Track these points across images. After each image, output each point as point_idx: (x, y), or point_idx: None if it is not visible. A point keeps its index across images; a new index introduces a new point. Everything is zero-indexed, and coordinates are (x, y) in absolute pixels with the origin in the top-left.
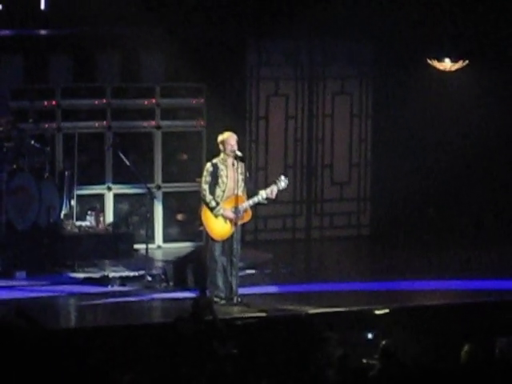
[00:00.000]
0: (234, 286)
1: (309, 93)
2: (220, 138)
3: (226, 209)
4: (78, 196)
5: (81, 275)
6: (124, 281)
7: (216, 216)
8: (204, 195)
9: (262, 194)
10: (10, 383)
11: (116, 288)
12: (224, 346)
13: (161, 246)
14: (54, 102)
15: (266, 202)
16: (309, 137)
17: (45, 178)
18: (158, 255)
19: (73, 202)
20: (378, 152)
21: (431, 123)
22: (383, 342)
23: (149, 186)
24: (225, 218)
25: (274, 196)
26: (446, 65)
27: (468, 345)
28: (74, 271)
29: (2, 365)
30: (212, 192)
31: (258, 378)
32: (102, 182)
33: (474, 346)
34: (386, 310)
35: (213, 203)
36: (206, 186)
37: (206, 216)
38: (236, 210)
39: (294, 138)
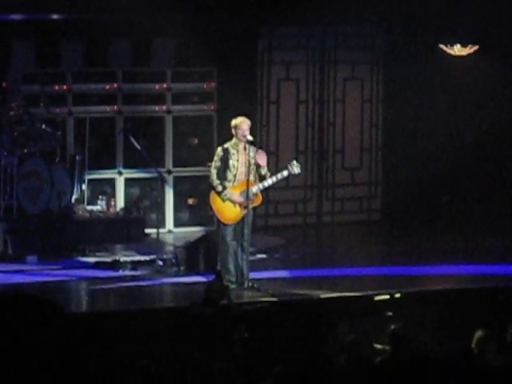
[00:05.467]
0: (244, 271)
1: (320, 77)
2: (233, 122)
3: (234, 193)
4: (89, 180)
5: (92, 259)
6: (135, 265)
7: (224, 200)
8: (212, 179)
9: (273, 179)
10: (22, 365)
11: (127, 272)
12: (236, 330)
13: (172, 231)
14: (65, 87)
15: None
16: (320, 121)
17: (56, 162)
18: (169, 239)
19: (84, 187)
20: (389, 137)
21: (443, 108)
22: (392, 327)
23: (160, 170)
24: (233, 202)
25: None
26: (458, 50)
27: (480, 330)
28: (85, 255)
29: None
30: (223, 177)
31: (269, 362)
32: (113, 167)
33: (485, 331)
34: (398, 295)
35: (220, 187)
36: (214, 171)
37: (215, 200)
38: (245, 193)
39: (305, 122)
